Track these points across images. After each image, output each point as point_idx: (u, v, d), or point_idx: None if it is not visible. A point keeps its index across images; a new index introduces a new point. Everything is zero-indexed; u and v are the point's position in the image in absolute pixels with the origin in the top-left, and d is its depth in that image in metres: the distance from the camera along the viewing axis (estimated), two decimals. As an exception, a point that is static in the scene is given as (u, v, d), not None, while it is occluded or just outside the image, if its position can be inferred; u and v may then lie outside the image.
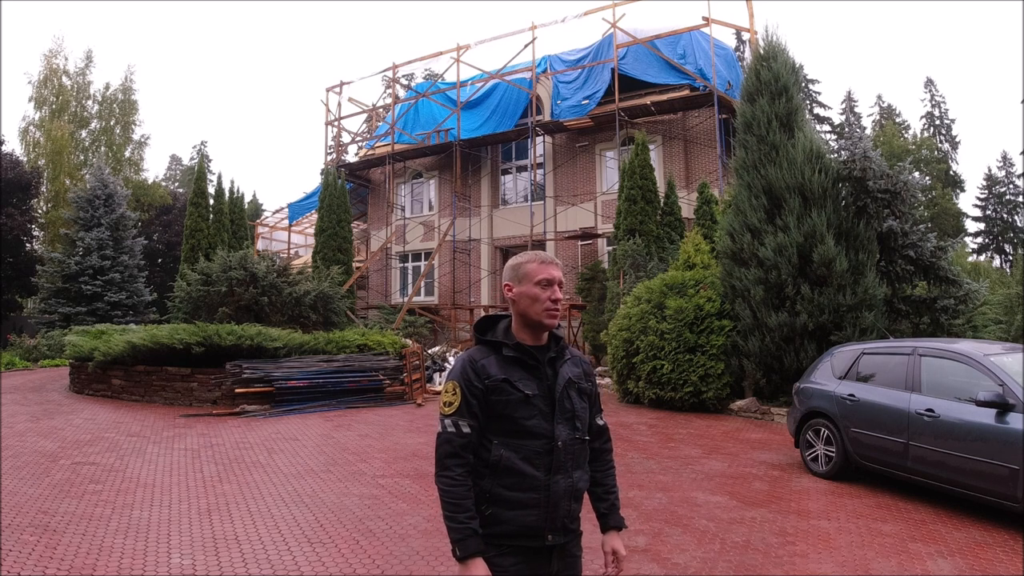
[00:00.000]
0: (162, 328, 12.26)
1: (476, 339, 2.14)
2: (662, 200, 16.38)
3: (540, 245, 21.01)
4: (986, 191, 43.21)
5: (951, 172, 44.21)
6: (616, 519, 2.21)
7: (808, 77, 43.60)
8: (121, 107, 32.33)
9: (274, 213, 32.22)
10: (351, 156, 28.60)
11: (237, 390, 10.47)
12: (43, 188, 29.10)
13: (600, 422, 2.27)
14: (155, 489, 5.98)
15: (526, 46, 21.47)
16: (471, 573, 1.87)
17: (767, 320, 10.08)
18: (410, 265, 24.92)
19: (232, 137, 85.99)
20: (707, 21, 18.39)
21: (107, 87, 32.62)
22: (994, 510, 5.18)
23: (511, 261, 2.15)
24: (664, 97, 18.81)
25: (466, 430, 1.99)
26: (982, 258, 39.98)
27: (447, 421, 2.02)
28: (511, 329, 2.10)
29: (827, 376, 6.88)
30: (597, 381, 2.31)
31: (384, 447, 7.95)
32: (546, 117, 21.18)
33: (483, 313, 22.17)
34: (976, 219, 43.09)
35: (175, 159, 61.49)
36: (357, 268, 23.26)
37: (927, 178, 36.43)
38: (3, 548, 4.38)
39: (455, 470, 1.97)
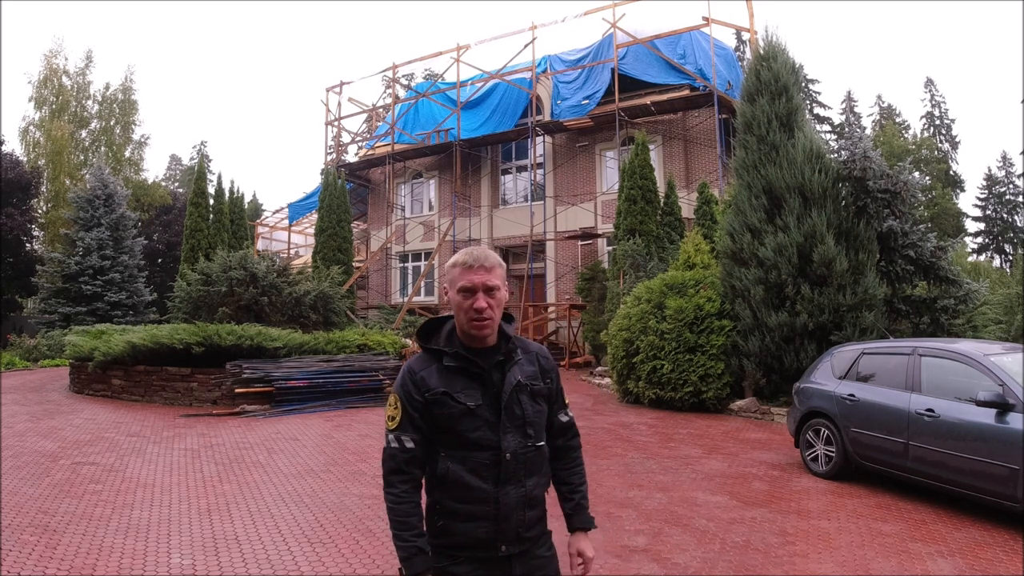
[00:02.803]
0: (162, 328, 12.26)
1: (420, 346, 2.02)
2: (662, 200, 16.39)
3: (540, 245, 21.02)
4: (986, 191, 43.23)
5: (951, 172, 44.23)
6: (582, 519, 2.09)
7: (808, 77, 43.62)
8: (121, 107, 32.34)
9: (274, 213, 32.23)
10: (351, 156, 28.62)
11: (237, 390, 10.47)
12: (43, 188, 29.12)
13: (564, 418, 2.12)
14: (155, 489, 5.98)
15: (526, 46, 21.48)
16: None
17: (767, 320, 10.08)
18: (410, 265, 24.92)
19: (232, 137, 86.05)
20: (707, 21, 18.40)
21: (107, 87, 32.68)
22: (994, 510, 5.18)
23: (448, 261, 2.01)
24: (664, 97, 18.81)
25: (409, 445, 1.92)
26: (982, 258, 40.02)
27: (390, 436, 1.95)
28: (455, 333, 1.97)
29: (827, 376, 6.88)
30: (560, 374, 2.15)
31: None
32: (546, 117, 21.18)
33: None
34: (976, 219, 43.11)
35: (175, 159, 61.51)
36: (357, 268, 23.27)
37: (927, 178, 36.45)
38: (3, 548, 4.38)
39: (399, 487, 1.93)
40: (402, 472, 1.94)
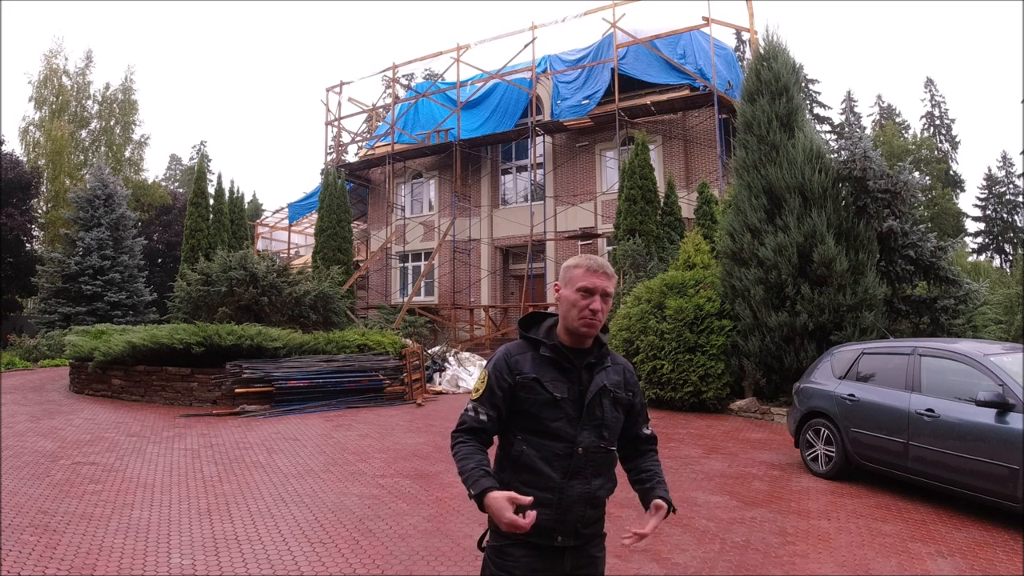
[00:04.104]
0: (162, 328, 12.25)
1: (519, 334, 2.15)
2: (662, 200, 16.38)
3: (540, 245, 21.02)
4: (986, 191, 43.21)
5: (951, 172, 44.21)
6: (662, 491, 2.12)
7: (808, 77, 43.58)
8: (121, 107, 32.33)
9: (274, 213, 32.22)
10: (351, 156, 28.63)
11: (237, 390, 10.46)
12: (43, 188, 29.09)
13: (647, 431, 2.25)
14: (155, 489, 5.98)
15: (526, 46, 21.48)
16: (489, 504, 1.83)
17: (767, 320, 10.08)
18: (410, 265, 24.92)
19: (232, 137, 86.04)
20: (707, 21, 18.40)
21: (107, 87, 32.66)
22: (994, 510, 5.18)
23: (566, 262, 2.14)
24: (664, 97, 18.80)
25: (483, 418, 2.03)
26: (982, 258, 39.99)
27: (470, 405, 2.07)
28: (555, 329, 2.09)
29: (827, 376, 6.88)
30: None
31: (384, 447, 7.95)
32: (546, 117, 21.18)
33: (483, 313, 22.21)
34: (976, 219, 43.09)
35: (175, 159, 61.48)
36: (357, 268, 23.26)
37: (927, 178, 36.36)
38: (3, 548, 4.38)
39: (464, 436, 2.04)
40: (469, 433, 2.04)
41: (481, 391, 2.05)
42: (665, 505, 2.07)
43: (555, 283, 2.13)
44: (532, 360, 2.04)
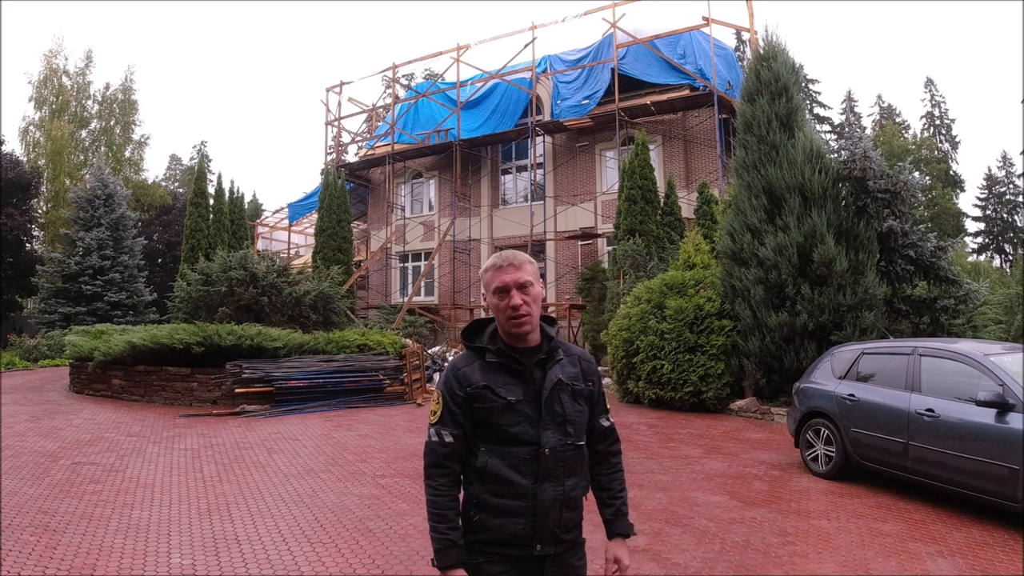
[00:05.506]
0: (162, 328, 12.25)
1: (464, 345, 2.08)
2: (662, 200, 16.38)
3: (540, 245, 21.02)
4: (986, 191, 43.23)
5: (951, 172, 44.21)
6: (621, 525, 2.11)
7: (808, 77, 43.59)
8: (121, 107, 32.35)
9: (274, 213, 32.23)
10: (351, 156, 28.62)
11: (237, 390, 10.47)
12: (43, 188, 29.11)
13: (605, 423, 2.16)
14: (155, 489, 5.98)
15: (526, 46, 21.49)
16: None
17: (767, 320, 10.08)
18: (410, 265, 24.92)
19: (232, 137, 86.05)
20: (707, 21, 18.40)
21: (107, 87, 32.70)
22: (994, 510, 5.18)
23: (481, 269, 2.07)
24: (664, 97, 18.80)
25: (448, 439, 1.96)
26: (982, 258, 40.01)
27: (431, 431, 2.00)
28: (497, 333, 2.03)
29: (827, 376, 6.87)
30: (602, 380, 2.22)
31: (384, 447, 7.95)
32: (546, 117, 21.18)
33: (483, 314, 22.21)
34: (976, 219, 43.11)
35: (175, 159, 61.46)
36: (357, 268, 23.26)
37: (927, 178, 36.41)
38: (3, 548, 4.38)
39: (438, 480, 1.96)
40: (441, 466, 1.97)
41: (439, 412, 1.98)
42: (623, 559, 2.07)
43: (483, 293, 2.08)
44: (480, 368, 1.97)
